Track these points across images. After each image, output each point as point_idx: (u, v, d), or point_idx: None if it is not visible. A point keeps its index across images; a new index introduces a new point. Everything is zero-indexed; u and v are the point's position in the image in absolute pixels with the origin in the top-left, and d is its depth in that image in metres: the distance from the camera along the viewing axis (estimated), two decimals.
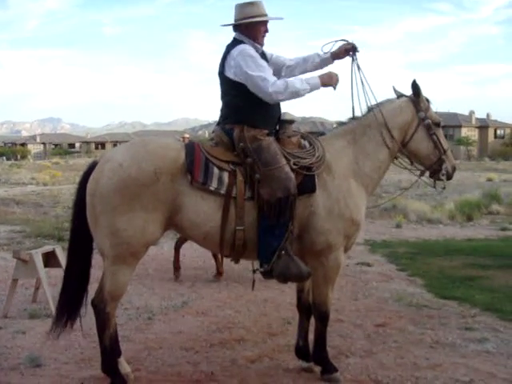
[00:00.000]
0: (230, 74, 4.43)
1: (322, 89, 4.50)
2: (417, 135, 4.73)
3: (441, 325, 6.11)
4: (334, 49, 4.70)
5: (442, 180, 4.78)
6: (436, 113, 4.86)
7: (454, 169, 4.86)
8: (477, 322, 6.21)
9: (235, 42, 4.50)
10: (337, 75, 4.53)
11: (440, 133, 4.79)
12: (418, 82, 4.71)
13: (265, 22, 4.53)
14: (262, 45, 4.59)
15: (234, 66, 4.38)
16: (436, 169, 4.80)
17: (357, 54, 4.68)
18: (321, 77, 4.48)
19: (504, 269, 8.91)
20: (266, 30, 4.58)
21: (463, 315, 6.48)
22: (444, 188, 4.86)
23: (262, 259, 4.37)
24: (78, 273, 4.58)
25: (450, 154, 4.85)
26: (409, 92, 4.81)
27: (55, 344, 5.25)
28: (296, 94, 4.39)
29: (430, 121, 4.71)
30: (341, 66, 4.74)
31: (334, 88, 4.56)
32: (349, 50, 4.68)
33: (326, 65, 4.79)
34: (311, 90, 4.44)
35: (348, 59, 4.72)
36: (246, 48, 4.40)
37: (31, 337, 5.64)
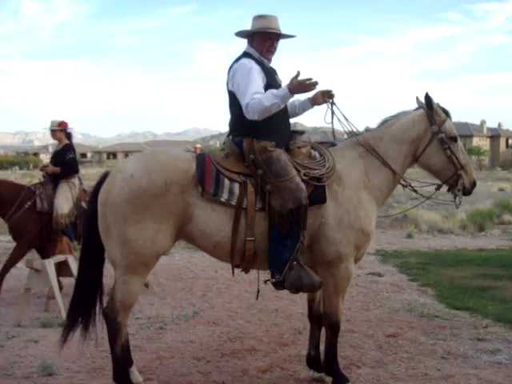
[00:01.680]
0: (229, 86, 4.49)
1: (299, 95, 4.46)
2: (429, 149, 4.65)
3: (452, 335, 6.08)
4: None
5: (458, 195, 4.69)
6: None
7: (473, 184, 4.74)
8: (489, 333, 6.17)
9: (241, 56, 4.53)
10: (307, 80, 4.28)
11: (456, 147, 4.66)
12: (430, 94, 4.63)
13: (273, 37, 4.52)
14: (269, 60, 4.59)
15: (232, 79, 4.44)
16: (452, 184, 4.72)
17: (333, 99, 4.70)
18: (288, 85, 4.28)
19: None
20: (273, 46, 4.55)
21: (475, 326, 6.45)
22: (459, 203, 4.74)
23: (273, 270, 4.38)
24: (90, 282, 4.60)
25: (470, 169, 4.73)
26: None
27: (67, 353, 5.28)
28: (267, 111, 4.26)
29: (443, 135, 4.61)
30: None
31: (311, 91, 4.48)
32: (325, 95, 4.69)
33: (305, 109, 4.86)
34: (283, 101, 4.34)
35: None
36: (245, 62, 4.41)
37: (44, 346, 5.68)
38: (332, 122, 4.74)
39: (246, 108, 4.27)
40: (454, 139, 4.66)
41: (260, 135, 4.40)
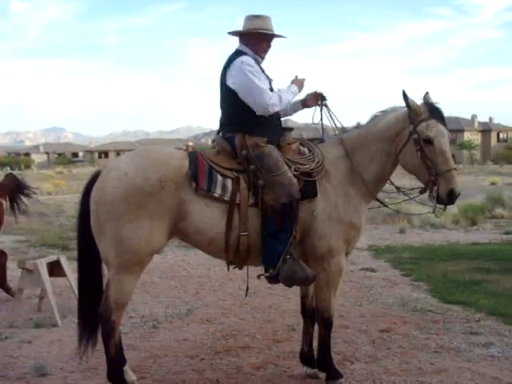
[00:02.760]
0: (230, 83, 4.49)
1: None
2: (405, 149, 4.47)
3: (445, 330, 6.11)
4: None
5: (433, 203, 4.43)
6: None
7: (449, 193, 4.29)
8: (482, 327, 6.21)
9: (238, 53, 4.56)
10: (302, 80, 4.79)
11: (432, 150, 4.31)
12: (406, 91, 4.40)
13: (269, 38, 4.63)
14: (263, 58, 4.67)
15: (234, 76, 4.45)
16: (430, 189, 4.41)
17: (325, 102, 4.87)
18: (294, 83, 4.74)
19: (508, 273, 8.88)
20: (269, 46, 4.67)
21: (468, 320, 6.48)
22: (443, 209, 4.49)
23: (267, 264, 4.40)
24: (91, 284, 4.59)
25: (450, 176, 4.29)
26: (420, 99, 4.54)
27: (61, 353, 5.28)
28: (286, 105, 4.65)
29: (416, 136, 4.35)
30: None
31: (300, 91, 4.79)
32: (316, 98, 4.86)
33: (296, 110, 4.99)
34: (294, 96, 4.69)
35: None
36: (248, 60, 4.47)
37: (37, 346, 5.66)
38: (321, 122, 4.89)
39: (271, 100, 4.40)
40: (428, 141, 4.32)
41: (253, 131, 4.45)
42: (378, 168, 4.64)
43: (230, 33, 4.71)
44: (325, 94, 4.86)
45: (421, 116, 4.38)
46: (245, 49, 4.60)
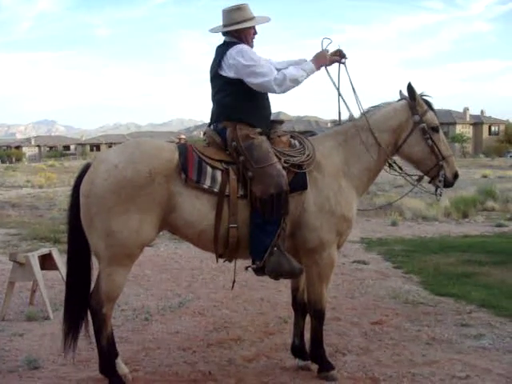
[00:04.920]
0: (228, 73, 4.45)
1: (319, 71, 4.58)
2: (410, 139, 4.66)
3: (437, 321, 6.14)
4: (329, 47, 4.64)
5: (439, 187, 4.69)
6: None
7: (454, 175, 4.71)
8: (473, 319, 6.24)
9: (229, 44, 4.53)
10: (327, 51, 4.58)
11: (438, 138, 4.66)
12: (413, 83, 4.64)
13: (253, 25, 4.61)
14: (251, 47, 4.63)
15: (234, 65, 4.41)
16: (434, 175, 4.71)
17: (345, 60, 4.67)
18: (313, 60, 4.54)
19: (499, 265, 8.95)
20: (255, 33, 4.66)
21: (459, 312, 6.52)
22: (441, 195, 4.74)
23: (254, 256, 4.40)
24: (79, 276, 4.57)
25: (452, 161, 4.71)
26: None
27: (53, 346, 5.26)
28: (296, 82, 4.44)
29: (425, 125, 4.61)
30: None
31: (328, 65, 4.62)
32: (336, 55, 4.66)
33: (309, 74, 4.77)
34: (308, 75, 4.50)
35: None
36: (244, 47, 4.46)
37: (29, 339, 5.64)
38: (338, 83, 4.72)
39: (275, 80, 4.35)
40: (435, 129, 4.66)
41: (250, 122, 4.45)
42: (373, 159, 4.66)
43: (212, 31, 4.69)
44: (344, 52, 4.65)
45: (424, 107, 4.66)
46: (233, 39, 4.57)
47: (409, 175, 4.93)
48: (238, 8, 4.53)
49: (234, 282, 4.82)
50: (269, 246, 4.29)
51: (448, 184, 4.72)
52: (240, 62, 4.38)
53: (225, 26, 4.56)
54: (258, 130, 4.47)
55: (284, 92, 4.47)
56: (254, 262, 4.41)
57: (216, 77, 4.56)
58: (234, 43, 4.51)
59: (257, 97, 4.52)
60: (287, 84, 4.40)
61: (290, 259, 4.32)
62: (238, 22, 4.50)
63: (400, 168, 4.89)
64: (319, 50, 4.59)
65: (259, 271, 4.41)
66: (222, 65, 4.49)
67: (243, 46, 4.46)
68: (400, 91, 4.86)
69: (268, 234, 4.29)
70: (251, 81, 4.40)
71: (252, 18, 4.56)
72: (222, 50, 4.54)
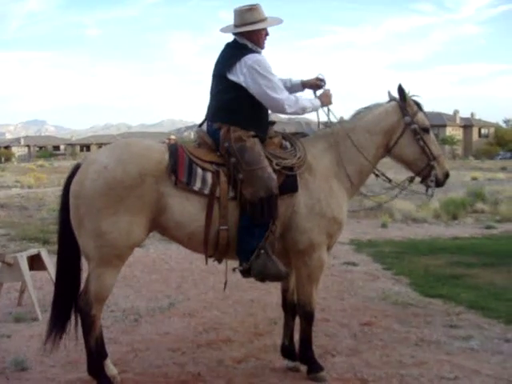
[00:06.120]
0: (238, 78, 4.41)
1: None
2: (402, 140, 4.68)
3: (426, 323, 6.16)
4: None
5: (431, 186, 4.71)
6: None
7: (445, 175, 4.76)
8: (461, 320, 6.27)
9: (242, 48, 4.49)
10: (330, 93, 4.76)
11: (429, 138, 4.69)
12: (403, 85, 4.67)
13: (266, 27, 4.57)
14: (262, 48, 4.62)
15: (247, 75, 4.37)
16: (425, 175, 4.73)
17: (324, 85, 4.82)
18: (320, 98, 4.69)
19: (488, 267, 8.99)
20: (267, 34, 4.62)
21: (448, 313, 6.54)
22: (432, 195, 4.76)
23: (241, 258, 4.40)
24: (69, 277, 4.55)
25: (443, 161, 4.76)
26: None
27: (41, 347, 5.23)
28: (303, 110, 4.56)
29: (416, 126, 4.64)
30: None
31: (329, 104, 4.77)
32: (320, 82, 4.81)
33: (296, 91, 4.89)
34: (312, 110, 4.64)
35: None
36: (261, 59, 4.42)
37: (17, 340, 5.61)
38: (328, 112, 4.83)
39: (287, 101, 4.42)
40: (426, 130, 4.69)
41: (248, 126, 4.43)
42: (364, 161, 4.67)
43: (222, 31, 4.63)
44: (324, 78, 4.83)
45: (414, 108, 4.70)
46: (244, 40, 4.53)
47: (397, 185, 4.93)
48: (250, 8, 4.48)
49: (225, 282, 4.81)
50: (255, 249, 4.29)
51: (439, 184, 4.75)
52: (254, 76, 4.35)
53: (236, 26, 4.52)
54: (252, 132, 4.44)
55: (291, 114, 4.52)
56: (240, 264, 4.41)
57: (222, 76, 4.49)
58: (247, 48, 4.48)
59: (259, 105, 4.48)
60: (297, 107, 4.49)
61: (276, 262, 4.32)
62: (251, 23, 4.46)
63: (389, 179, 4.90)
64: (323, 89, 4.77)
65: (246, 273, 4.42)
66: (234, 69, 4.42)
67: (259, 58, 4.42)
68: (389, 92, 4.88)
69: (255, 236, 4.29)
70: (260, 96, 4.39)
71: (264, 19, 4.52)
72: (234, 53, 4.48)
